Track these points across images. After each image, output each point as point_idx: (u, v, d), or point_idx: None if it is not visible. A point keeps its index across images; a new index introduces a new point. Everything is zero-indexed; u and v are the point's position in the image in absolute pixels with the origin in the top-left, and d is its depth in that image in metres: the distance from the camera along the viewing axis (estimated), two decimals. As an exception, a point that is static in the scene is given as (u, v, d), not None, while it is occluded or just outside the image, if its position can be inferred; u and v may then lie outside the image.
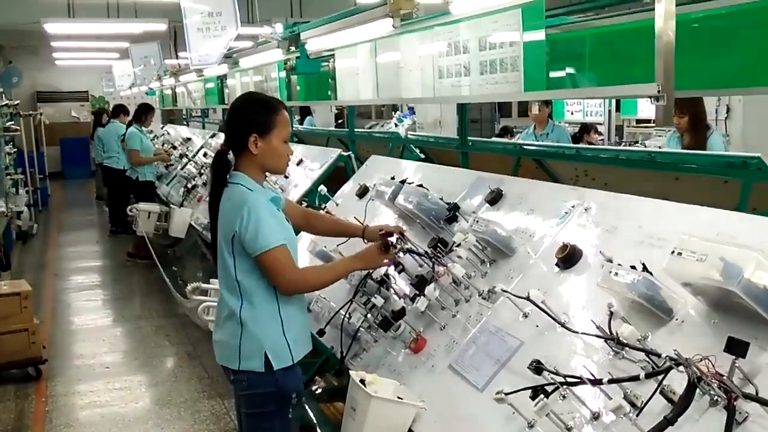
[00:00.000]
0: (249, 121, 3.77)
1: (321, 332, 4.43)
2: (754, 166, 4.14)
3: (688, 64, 3.91)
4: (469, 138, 6.30)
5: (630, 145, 13.29)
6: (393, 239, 4.09)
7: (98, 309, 10.47)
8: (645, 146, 11.76)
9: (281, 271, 3.67)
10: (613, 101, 14.71)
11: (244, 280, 3.71)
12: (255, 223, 3.60)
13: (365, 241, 4.24)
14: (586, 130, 12.37)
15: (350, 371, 3.62)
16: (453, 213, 4.33)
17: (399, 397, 3.47)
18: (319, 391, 5.98)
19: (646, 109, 14.02)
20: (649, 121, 14.67)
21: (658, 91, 3.24)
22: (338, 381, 5.49)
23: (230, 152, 3.83)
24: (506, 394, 2.85)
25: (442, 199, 4.50)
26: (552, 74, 4.91)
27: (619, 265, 2.94)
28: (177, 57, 18.45)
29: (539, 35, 4.30)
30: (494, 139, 12.88)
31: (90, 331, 9.32)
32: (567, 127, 15.68)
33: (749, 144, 9.23)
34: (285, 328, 3.73)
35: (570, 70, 5.34)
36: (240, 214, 3.62)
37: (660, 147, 10.67)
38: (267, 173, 3.96)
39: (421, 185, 4.67)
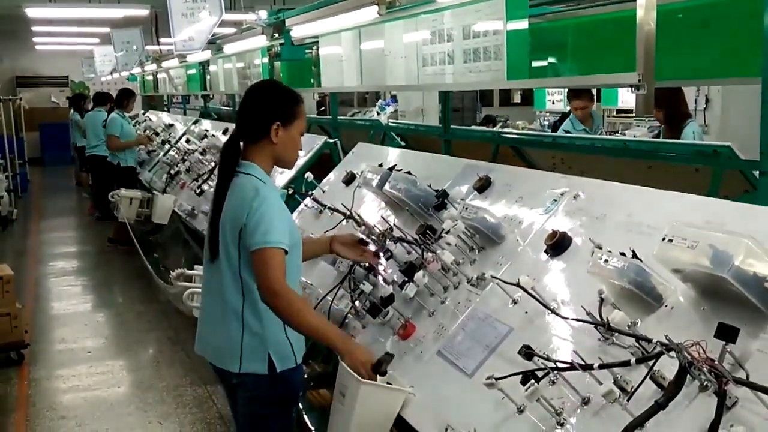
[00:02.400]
0: (274, 109, 3.67)
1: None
2: (724, 155, 4.21)
3: (668, 55, 3.95)
4: (451, 126, 6.35)
5: (609, 134, 13.34)
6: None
7: (80, 294, 10.50)
8: (625, 135, 11.83)
9: (270, 272, 3.43)
10: (594, 91, 14.77)
11: (248, 277, 3.55)
12: (262, 216, 3.46)
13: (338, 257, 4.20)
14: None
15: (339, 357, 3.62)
16: (442, 200, 4.33)
17: (388, 383, 3.48)
18: (305, 377, 5.98)
19: (627, 99, 14.09)
20: (629, 111, 14.75)
21: (639, 80, 3.29)
22: (323, 367, 5.50)
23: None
24: (496, 379, 2.86)
25: (430, 186, 4.51)
26: (534, 63, 4.95)
27: (609, 251, 2.96)
28: (158, 43, 18.35)
29: (522, 24, 4.34)
30: (473, 127, 12.90)
31: (72, 316, 9.34)
32: (547, 116, 15.79)
33: (727, 134, 9.29)
34: (287, 328, 3.60)
35: (552, 59, 5.38)
36: (250, 205, 3.47)
37: (634, 136, 10.75)
38: (275, 165, 3.80)
39: (409, 172, 4.68)
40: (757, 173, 4.00)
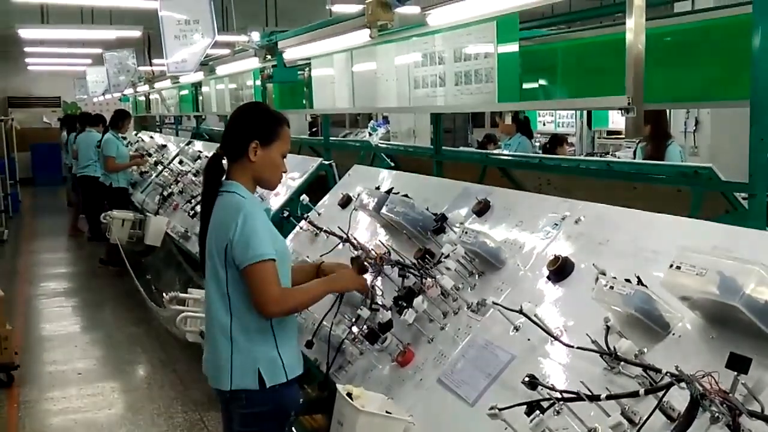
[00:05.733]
0: (253, 128, 3.70)
1: (309, 344, 4.37)
2: (705, 176, 4.21)
3: (657, 78, 3.95)
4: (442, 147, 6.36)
5: (601, 156, 13.42)
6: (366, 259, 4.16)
7: (70, 316, 10.44)
8: (617, 157, 11.88)
9: (266, 286, 3.52)
10: (585, 113, 14.85)
11: (235, 294, 3.59)
12: (249, 232, 3.50)
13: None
14: (557, 142, 12.32)
15: (337, 384, 3.56)
16: (441, 224, 4.27)
17: (387, 412, 3.41)
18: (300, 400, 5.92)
19: (617, 120, 14.18)
20: (619, 132, 14.83)
21: (628, 104, 3.29)
22: (317, 393, 5.43)
23: (224, 158, 3.75)
24: (500, 409, 2.79)
25: (427, 209, 4.46)
26: (525, 85, 4.97)
27: (614, 278, 2.90)
28: (151, 64, 18.35)
29: (513, 47, 4.39)
30: (462, 148, 12.94)
31: (62, 338, 9.28)
32: (538, 137, 15.86)
33: (716, 156, 9.33)
34: (278, 344, 3.64)
35: (542, 81, 5.39)
36: (235, 221, 3.51)
37: (619, 157, 10.86)
38: (258, 186, 3.82)
39: (406, 195, 4.63)
40: (737, 194, 4.11)
